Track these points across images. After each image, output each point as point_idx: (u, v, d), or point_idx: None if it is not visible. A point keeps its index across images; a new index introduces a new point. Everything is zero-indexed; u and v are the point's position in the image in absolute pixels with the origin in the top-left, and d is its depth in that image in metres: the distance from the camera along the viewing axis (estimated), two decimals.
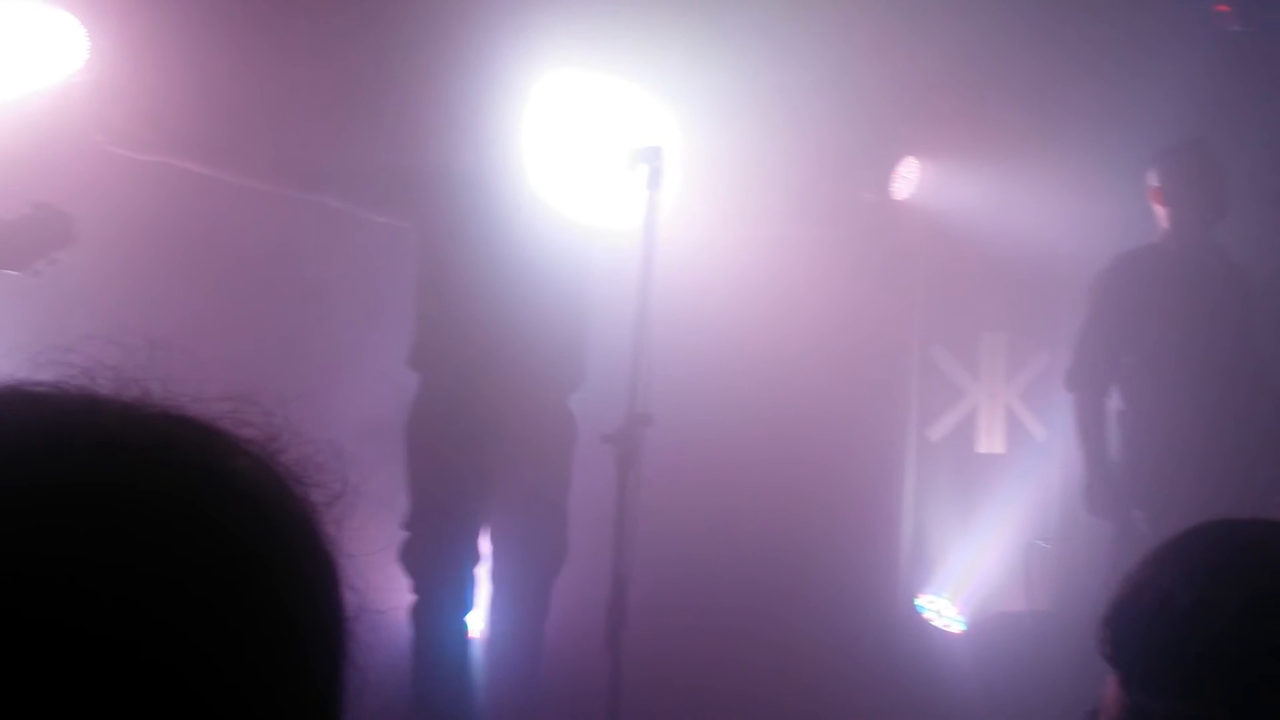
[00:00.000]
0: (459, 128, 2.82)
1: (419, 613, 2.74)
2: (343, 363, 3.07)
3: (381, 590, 2.88)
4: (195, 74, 2.71)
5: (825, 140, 3.64)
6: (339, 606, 0.50)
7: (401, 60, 2.97)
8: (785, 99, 3.50)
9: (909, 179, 3.88)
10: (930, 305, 4.10)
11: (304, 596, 0.48)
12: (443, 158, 2.84)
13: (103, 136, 2.51)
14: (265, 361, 2.98)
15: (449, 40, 2.96)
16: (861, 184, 3.82)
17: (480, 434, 2.70)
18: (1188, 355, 3.13)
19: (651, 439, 2.41)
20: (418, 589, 2.74)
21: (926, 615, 4.08)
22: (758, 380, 3.49)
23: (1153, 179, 3.24)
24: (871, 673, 3.35)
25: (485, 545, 2.82)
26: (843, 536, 3.75)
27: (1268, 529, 0.74)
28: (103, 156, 2.54)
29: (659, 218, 2.37)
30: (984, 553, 4.05)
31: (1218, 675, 0.69)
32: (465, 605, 2.78)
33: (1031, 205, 3.88)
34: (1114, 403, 3.25)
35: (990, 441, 4.20)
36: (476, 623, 2.86)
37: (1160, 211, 3.25)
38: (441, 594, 2.74)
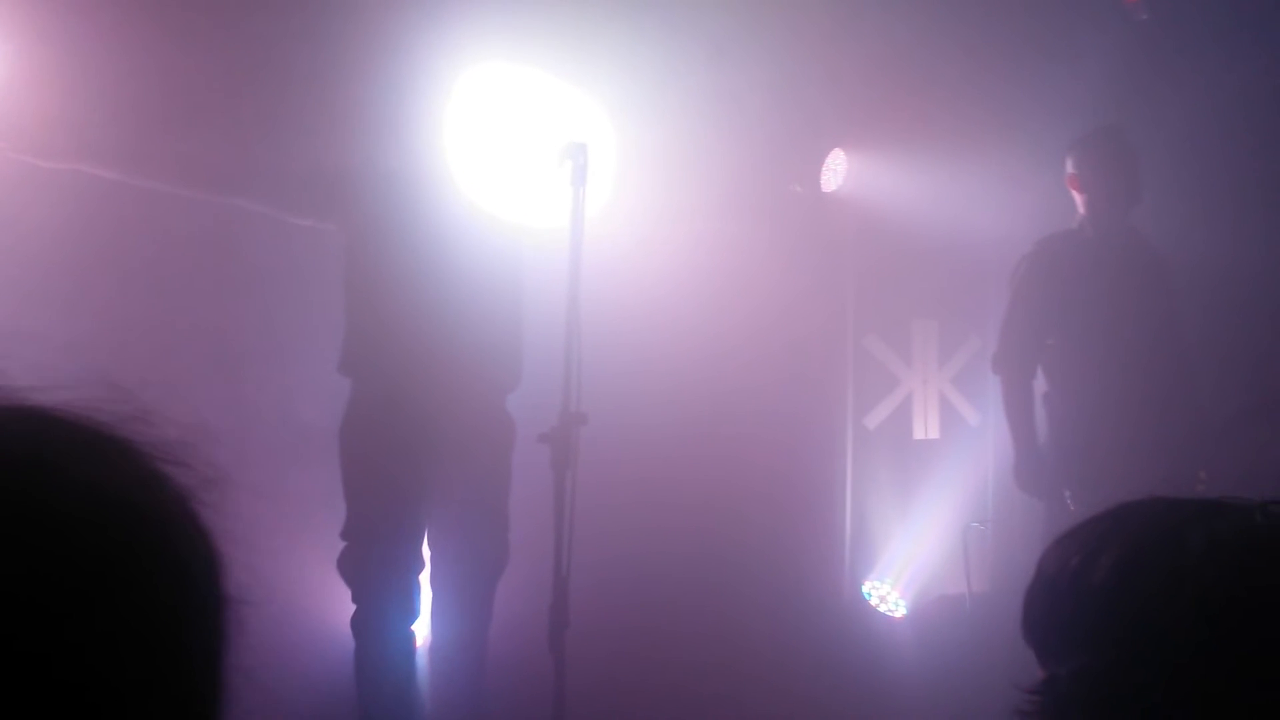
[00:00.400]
0: (382, 125, 2.77)
1: (361, 622, 2.70)
2: (273, 369, 3.00)
3: (323, 600, 2.87)
4: (105, 78, 2.63)
5: (754, 135, 3.66)
6: (213, 588, 0.50)
7: (322, 56, 2.91)
8: (713, 94, 3.51)
9: (837, 171, 3.93)
10: (862, 295, 4.15)
11: (169, 579, 0.48)
12: (366, 157, 2.79)
13: (5, 144, 2.43)
14: (185, 369, 2.92)
15: (370, 35, 2.91)
16: (790, 177, 3.86)
17: (416, 439, 2.67)
18: (1107, 337, 3.21)
19: (588, 438, 2.40)
20: (358, 598, 2.70)
21: (871, 601, 4.14)
22: (694, 375, 3.50)
23: (1069, 166, 3.32)
24: (818, 663, 3.38)
25: (426, 551, 2.79)
26: (785, 528, 3.78)
27: (1168, 505, 0.76)
28: (8, 164, 2.45)
29: (586, 215, 2.36)
30: (923, 537, 4.13)
31: (1095, 630, 0.73)
32: (408, 613, 2.74)
33: (957, 194, 3.96)
34: (1040, 385, 3.32)
35: (926, 428, 4.27)
36: (420, 630, 2.83)
37: (1078, 198, 3.33)
38: (383, 603, 2.70)
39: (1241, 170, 3.75)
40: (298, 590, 2.99)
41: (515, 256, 2.80)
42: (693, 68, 3.43)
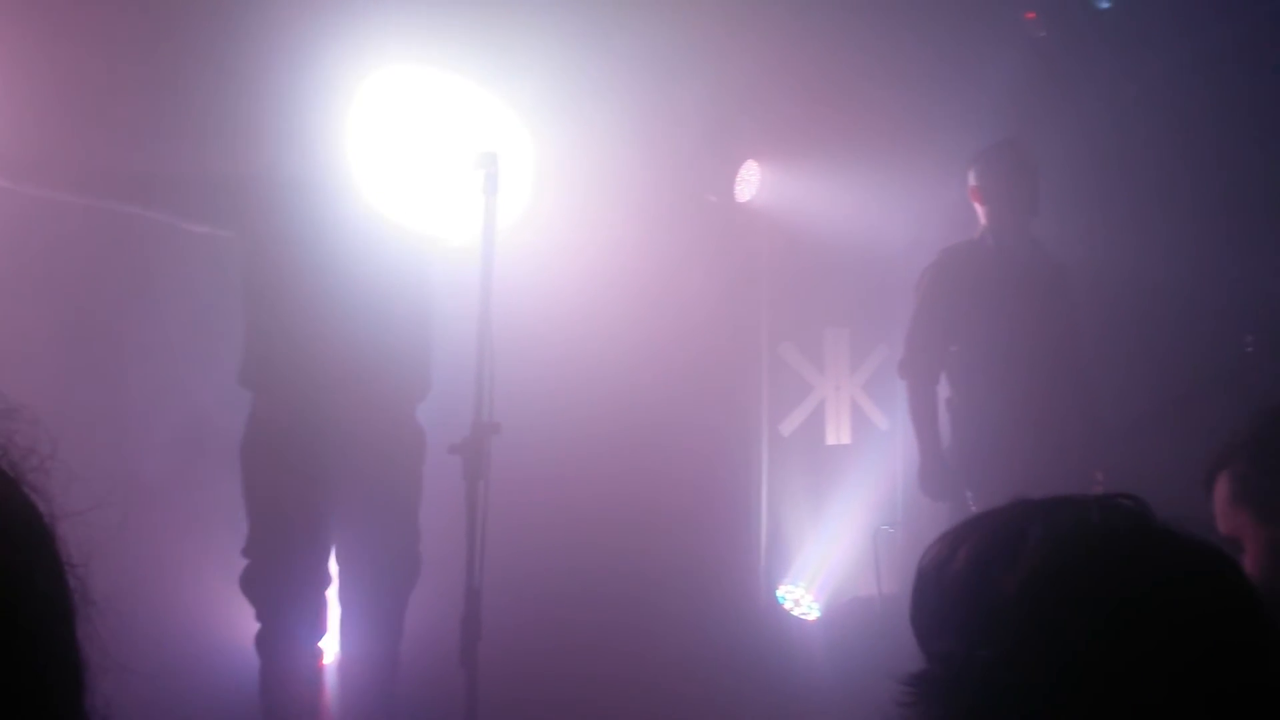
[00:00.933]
0: (284, 131, 2.70)
1: (265, 640, 2.62)
2: (174, 382, 2.90)
3: (225, 618, 2.77)
4: None
5: (669, 145, 3.69)
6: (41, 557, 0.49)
7: (220, 60, 2.82)
8: (628, 104, 3.52)
9: (751, 182, 3.98)
10: (776, 304, 4.21)
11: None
12: (267, 164, 2.71)
13: None
14: (82, 381, 2.80)
15: (273, 38, 2.83)
16: (705, 187, 3.90)
17: (321, 451, 2.60)
18: (1007, 343, 3.31)
19: (502, 448, 2.38)
20: (262, 616, 2.62)
21: (786, 605, 4.19)
22: (609, 384, 3.50)
23: (971, 178, 3.43)
24: (734, 667, 3.41)
25: (333, 566, 2.72)
26: (702, 534, 3.81)
27: (1026, 503, 0.80)
28: None
29: (497, 223, 2.34)
30: (836, 541, 4.20)
31: (949, 617, 0.79)
32: (315, 629, 2.67)
33: (867, 205, 4.05)
34: (944, 390, 3.41)
35: (838, 433, 4.35)
36: (328, 646, 2.76)
37: (979, 209, 3.44)
38: (288, 619, 2.63)
39: (1136, 180, 3.92)
40: (199, 608, 2.89)
41: (422, 264, 2.76)
42: (608, 77, 3.44)
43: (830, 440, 4.34)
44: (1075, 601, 0.74)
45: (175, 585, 2.90)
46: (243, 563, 2.61)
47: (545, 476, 3.28)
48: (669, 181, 3.73)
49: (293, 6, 2.87)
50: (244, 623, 2.64)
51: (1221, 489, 1.26)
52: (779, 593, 4.20)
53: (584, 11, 3.38)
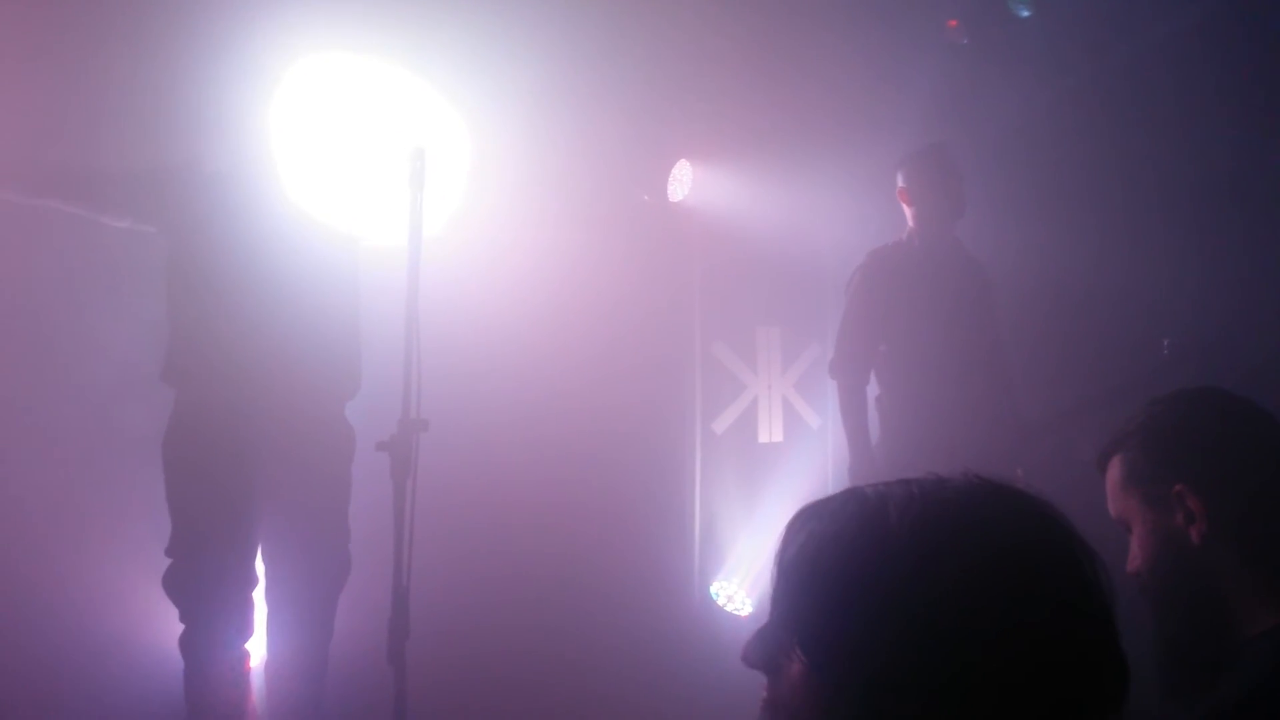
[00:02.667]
0: (206, 124, 2.65)
1: (189, 641, 2.58)
2: (93, 378, 2.83)
3: (148, 619, 2.71)
4: None
5: (602, 144, 3.70)
6: None
7: (143, 50, 2.76)
8: (559, 102, 3.52)
9: (682, 181, 4.01)
10: (709, 303, 4.25)
11: None
12: (189, 156, 2.66)
13: None
14: (13, 372, 2.72)
15: (194, 24, 2.77)
16: (639, 187, 3.91)
17: (246, 449, 2.56)
18: (932, 342, 3.39)
19: (431, 446, 2.37)
20: (186, 617, 2.57)
21: (719, 601, 4.23)
22: (542, 383, 3.50)
23: (899, 180, 3.50)
24: (667, 665, 3.43)
25: (260, 566, 2.68)
26: (636, 531, 3.82)
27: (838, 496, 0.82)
28: None
29: (424, 219, 2.32)
30: (769, 537, 4.25)
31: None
32: (241, 630, 2.63)
33: (798, 205, 4.10)
34: (873, 388, 3.48)
35: (770, 431, 4.41)
36: (255, 648, 2.72)
37: (907, 210, 3.51)
38: (213, 620, 2.58)
39: (1058, 183, 4.04)
40: (120, 609, 2.83)
41: (350, 260, 2.73)
42: (540, 73, 3.43)
43: (763, 438, 4.39)
44: (841, 595, 0.75)
45: (99, 585, 2.83)
46: (166, 562, 2.56)
47: (475, 475, 3.27)
48: (601, 180, 3.74)
49: None
50: (168, 623, 2.59)
51: (1114, 473, 1.32)
52: (712, 589, 4.24)
53: (518, 5, 3.37)
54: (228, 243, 2.55)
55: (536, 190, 3.52)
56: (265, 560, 2.67)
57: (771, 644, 0.80)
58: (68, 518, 2.77)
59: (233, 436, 2.55)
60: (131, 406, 2.74)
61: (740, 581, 4.27)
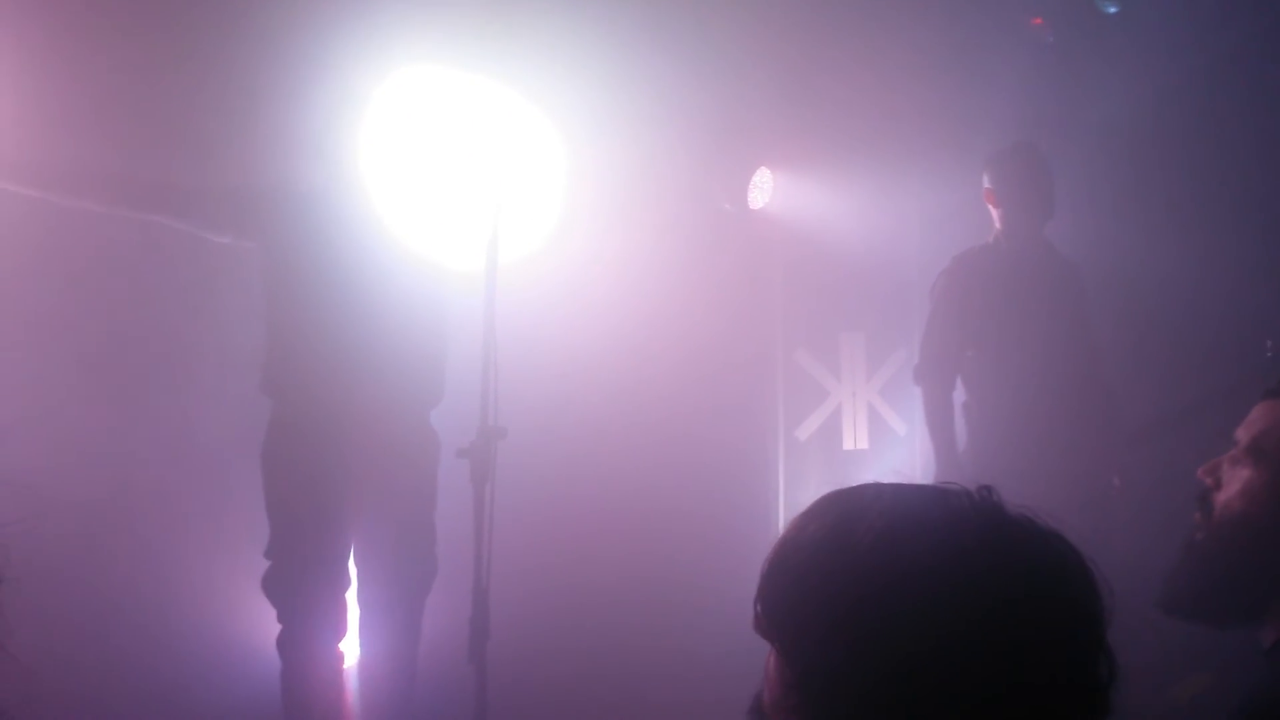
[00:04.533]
0: (302, 142, 2.77)
1: (286, 642, 2.69)
2: (199, 387, 2.99)
3: (247, 620, 2.85)
4: (25, 96, 2.61)
5: (682, 153, 3.72)
6: None
7: (243, 72, 2.91)
8: (642, 112, 3.57)
9: (764, 189, 4.01)
10: (791, 310, 4.23)
11: None
12: (285, 175, 2.79)
13: None
14: (116, 383, 2.89)
15: (291, 46, 2.90)
16: (719, 195, 3.93)
17: (339, 455, 2.67)
18: (1022, 347, 3.30)
19: (511, 453, 2.43)
20: (283, 617, 2.69)
21: None
22: (623, 391, 3.54)
23: (986, 181, 3.42)
24: (747, 675, 3.41)
25: (352, 568, 2.79)
26: (718, 538, 3.82)
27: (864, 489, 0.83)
28: None
29: (504, 228, 2.39)
30: None
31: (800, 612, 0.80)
32: (335, 631, 2.74)
33: (880, 210, 4.06)
34: (960, 394, 3.41)
35: (855, 438, 4.36)
36: (349, 648, 2.82)
37: (994, 212, 3.43)
38: (309, 621, 2.69)
39: (1152, 182, 3.89)
40: (222, 610, 2.97)
41: (436, 271, 2.82)
42: (620, 83, 3.48)
43: (847, 445, 4.34)
44: (886, 582, 0.75)
45: (201, 587, 2.97)
46: (265, 564, 2.68)
47: (555, 482, 3.32)
48: (682, 189, 3.77)
49: (313, 12, 2.93)
50: (268, 624, 2.71)
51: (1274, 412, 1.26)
52: None
53: (599, 19, 3.43)
54: (320, 259, 2.67)
55: (616, 200, 3.56)
56: (357, 562, 2.78)
57: (760, 627, 0.82)
58: (173, 522, 2.93)
59: (326, 444, 2.66)
60: (233, 415, 2.88)
61: None
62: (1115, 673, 0.75)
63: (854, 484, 0.84)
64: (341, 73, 2.73)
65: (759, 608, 0.82)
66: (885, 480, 0.85)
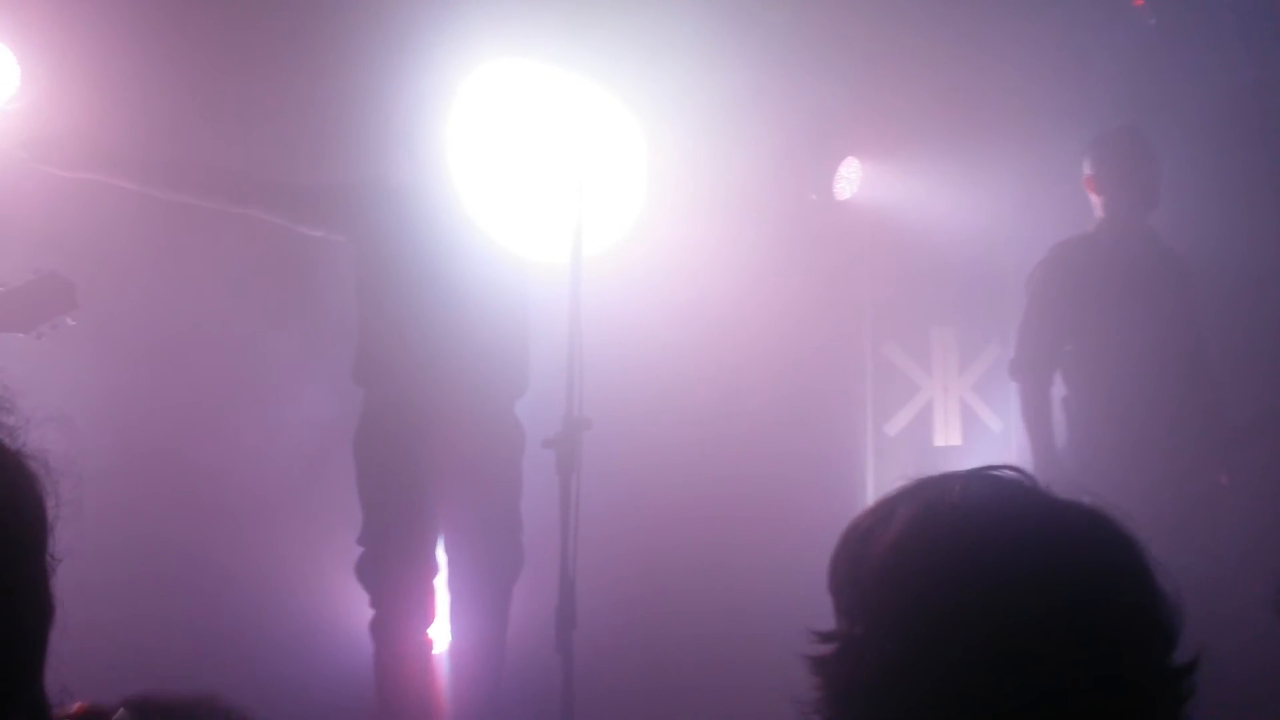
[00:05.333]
0: (390, 137, 2.84)
1: (379, 627, 2.76)
2: (291, 376, 3.09)
3: (343, 604, 2.93)
4: (126, 91, 2.73)
5: (767, 143, 3.69)
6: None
7: (334, 68, 2.99)
8: (725, 102, 3.55)
9: (851, 179, 3.94)
10: (880, 303, 4.16)
11: None
12: (374, 170, 2.87)
13: (26, 153, 2.54)
14: (214, 373, 3.00)
15: (378, 44, 2.98)
16: (805, 186, 3.88)
17: (429, 445, 2.73)
18: (1125, 341, 3.18)
19: (597, 442, 2.44)
20: (376, 603, 2.76)
21: None
22: (707, 384, 3.52)
23: (1086, 168, 3.31)
24: None
25: (442, 556, 2.84)
26: (805, 533, 3.75)
27: (928, 479, 0.80)
28: (33, 175, 2.57)
29: (588, 221, 2.41)
30: None
31: (839, 595, 0.81)
32: (425, 617, 2.80)
33: (973, 199, 3.95)
34: (1059, 389, 3.30)
35: (947, 434, 4.26)
36: (439, 634, 2.88)
37: (1095, 200, 3.31)
38: (401, 607, 2.76)
39: (1258, 170, 3.70)
40: (318, 595, 3.06)
41: (520, 264, 2.85)
42: (704, 75, 3.47)
43: (939, 441, 4.25)
44: (921, 576, 0.74)
45: (299, 573, 3.07)
46: (358, 551, 2.76)
47: (640, 474, 3.33)
48: (768, 180, 3.73)
49: (400, 10, 3.00)
50: (362, 609, 2.78)
51: None
52: None
53: (684, 9, 3.42)
54: (409, 252, 2.73)
55: (701, 191, 3.55)
56: (446, 550, 2.83)
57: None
58: (269, 509, 3.03)
59: (414, 435, 2.72)
60: (328, 404, 2.97)
61: None
62: (1191, 668, 0.72)
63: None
64: (429, 69, 2.79)
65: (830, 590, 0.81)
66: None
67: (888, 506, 0.78)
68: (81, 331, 2.52)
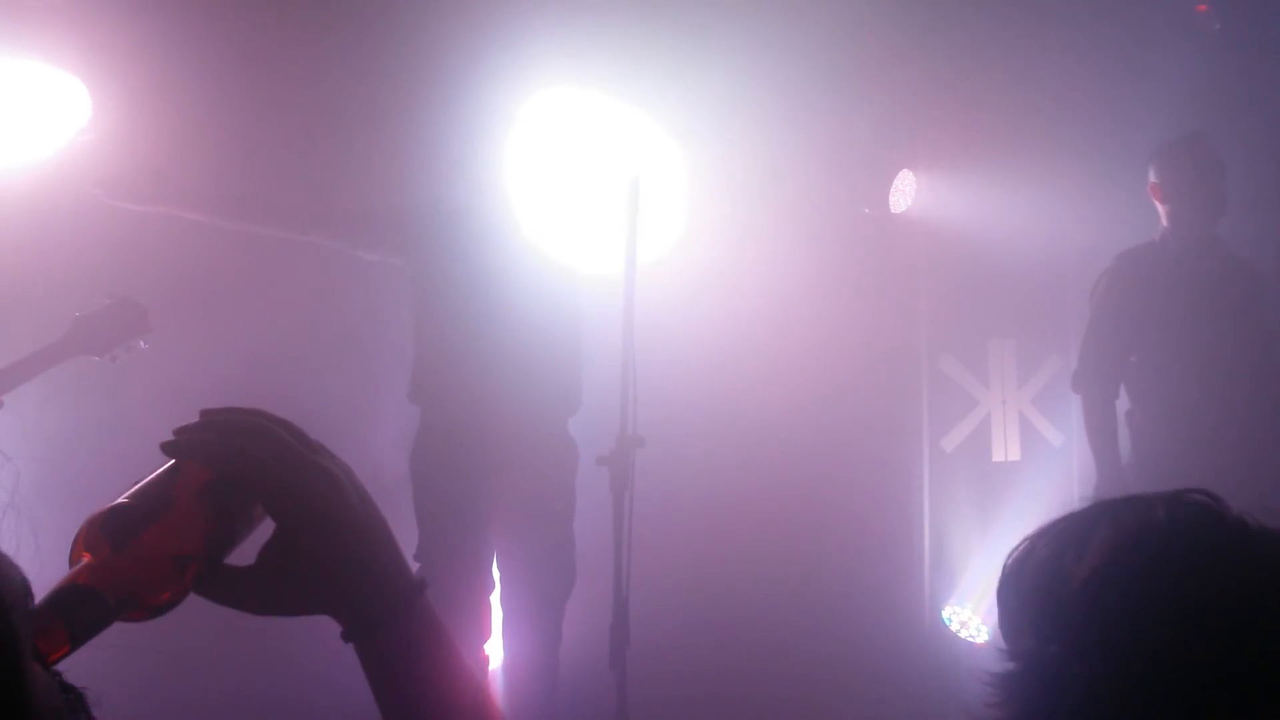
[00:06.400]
0: (445, 162, 2.89)
1: None
2: (346, 395, 3.14)
3: None
4: (193, 124, 2.82)
5: (819, 158, 3.67)
6: None
7: (389, 97, 3.05)
8: (776, 118, 3.54)
9: (906, 192, 3.90)
10: (935, 315, 4.10)
11: None
12: (429, 194, 2.91)
13: (101, 190, 2.63)
14: (274, 401, 3.06)
15: (434, 73, 3.04)
16: (858, 200, 3.85)
17: (483, 463, 2.75)
18: (1191, 352, 3.10)
19: (650, 460, 2.44)
20: None
21: (952, 627, 4.05)
22: (761, 399, 3.51)
23: (1152, 175, 3.23)
24: (892, 688, 3.32)
25: (496, 573, 2.86)
26: (860, 551, 3.73)
27: (1121, 500, 0.79)
28: (103, 210, 2.65)
29: (640, 243, 2.41)
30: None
31: (1028, 612, 0.76)
32: (481, 633, 2.82)
33: (1030, 210, 3.88)
34: (1123, 403, 3.22)
35: (1006, 449, 4.18)
36: (494, 651, 2.90)
37: (1161, 208, 3.23)
38: (454, 623, 2.77)
39: None
40: None
41: (574, 283, 2.88)
42: (757, 89, 3.46)
43: (997, 457, 4.17)
44: (1134, 597, 0.73)
45: None
46: (414, 567, 2.79)
47: (694, 491, 3.32)
48: (821, 195, 3.71)
49: (453, 47, 3.06)
50: None
51: None
52: (944, 614, 4.06)
53: (733, 25, 3.42)
54: (465, 274, 2.76)
55: (754, 207, 3.55)
56: (500, 566, 2.85)
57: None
58: None
59: (468, 453, 2.75)
60: (386, 423, 3.01)
61: (974, 607, 4.06)
62: None
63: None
64: (484, 97, 2.84)
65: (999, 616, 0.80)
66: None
67: (1078, 528, 0.77)
68: (153, 355, 2.60)
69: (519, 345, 2.73)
